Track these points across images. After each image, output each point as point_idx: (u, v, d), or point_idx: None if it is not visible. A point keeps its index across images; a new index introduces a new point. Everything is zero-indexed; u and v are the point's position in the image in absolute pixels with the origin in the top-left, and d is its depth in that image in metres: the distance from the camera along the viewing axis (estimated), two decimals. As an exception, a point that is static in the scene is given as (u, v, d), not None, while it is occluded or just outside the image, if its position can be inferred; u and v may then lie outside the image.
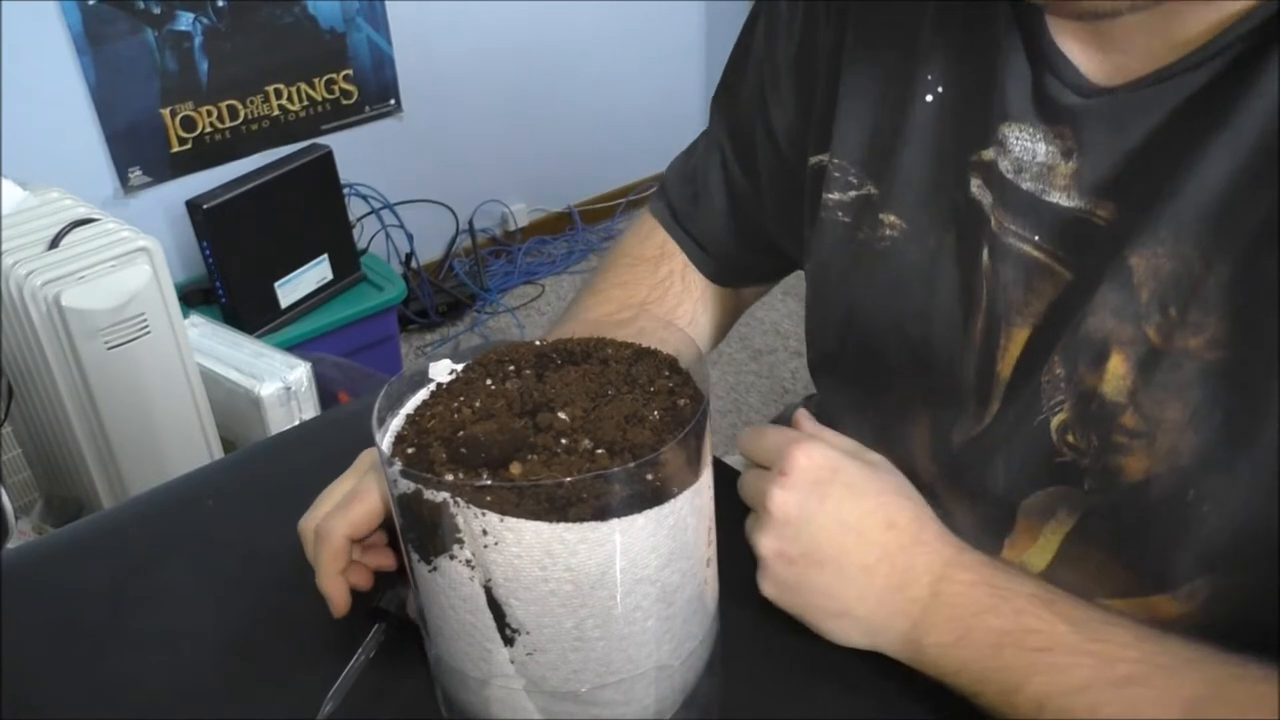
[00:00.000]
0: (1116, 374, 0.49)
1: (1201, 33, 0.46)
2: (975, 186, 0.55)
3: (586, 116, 2.78)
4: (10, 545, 1.08)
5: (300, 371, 1.39)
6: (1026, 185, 0.53)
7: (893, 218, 0.60)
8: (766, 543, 0.54)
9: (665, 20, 2.80)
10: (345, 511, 0.54)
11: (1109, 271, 0.49)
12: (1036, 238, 0.53)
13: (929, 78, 0.57)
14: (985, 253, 0.55)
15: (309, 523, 0.57)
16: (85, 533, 0.69)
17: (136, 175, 2.10)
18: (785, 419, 0.71)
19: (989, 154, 0.54)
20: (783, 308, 2.51)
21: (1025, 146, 0.53)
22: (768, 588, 0.54)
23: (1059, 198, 0.52)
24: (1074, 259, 0.52)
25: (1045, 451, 0.53)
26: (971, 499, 0.59)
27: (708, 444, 0.44)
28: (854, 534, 0.53)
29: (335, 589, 0.54)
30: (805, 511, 0.53)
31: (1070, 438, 0.52)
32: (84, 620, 0.60)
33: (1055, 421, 0.53)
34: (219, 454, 1.33)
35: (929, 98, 0.57)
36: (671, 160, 0.82)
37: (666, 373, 0.47)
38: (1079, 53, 0.51)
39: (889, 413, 0.64)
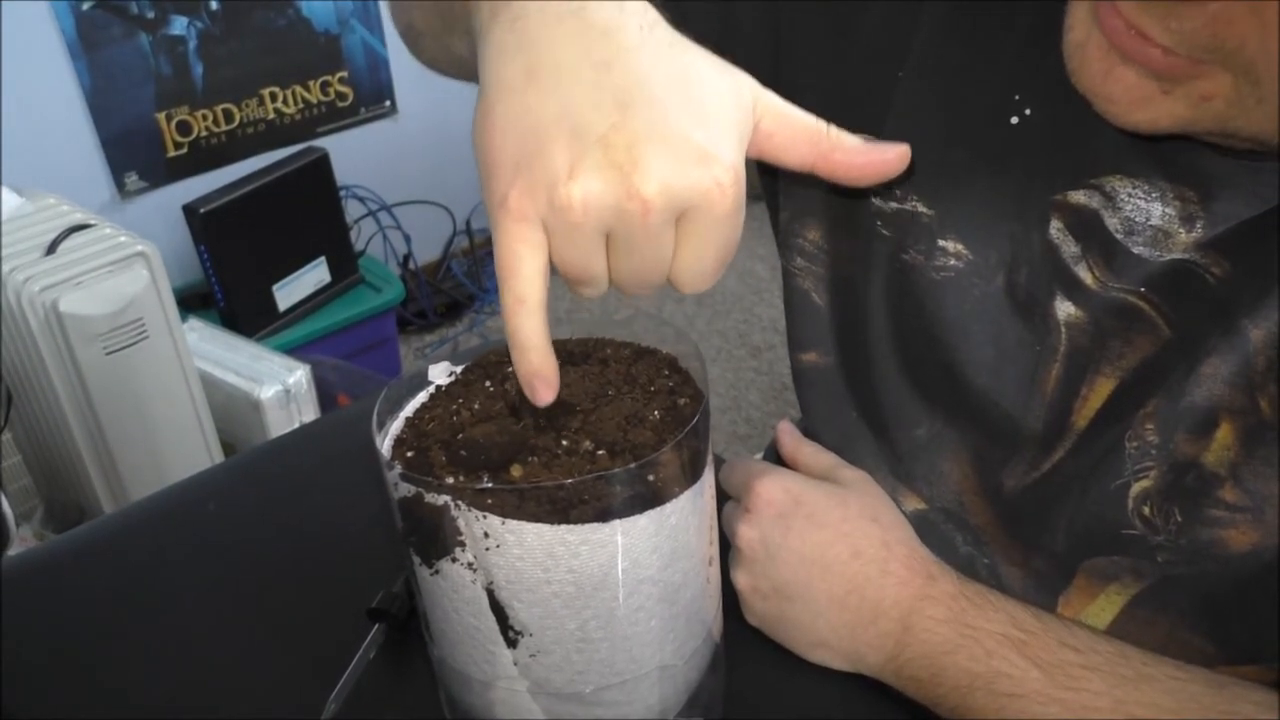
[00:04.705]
0: (1223, 444, 0.47)
1: None
2: (1055, 229, 0.50)
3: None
4: (11, 552, 1.08)
5: (299, 374, 1.39)
6: (1138, 250, 0.48)
7: (958, 246, 0.53)
8: (741, 578, 0.55)
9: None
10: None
11: (1219, 337, 0.46)
12: (1142, 289, 0.49)
13: (1016, 97, 0.51)
14: (1060, 297, 0.51)
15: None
16: (86, 538, 0.69)
17: (132, 180, 2.10)
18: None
19: (1079, 197, 0.49)
20: (782, 304, 2.50)
21: (1139, 206, 0.48)
22: (750, 619, 0.55)
23: (1172, 256, 0.48)
24: (1177, 314, 0.48)
25: (1114, 520, 0.50)
26: (1024, 550, 0.55)
27: (709, 443, 0.44)
28: (818, 567, 0.52)
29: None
30: (769, 547, 0.53)
31: (1146, 510, 0.49)
32: (86, 626, 0.60)
33: (1136, 488, 0.49)
34: (219, 458, 1.33)
35: (1014, 120, 0.51)
36: None
37: (666, 372, 0.47)
38: None
39: (910, 447, 0.58)
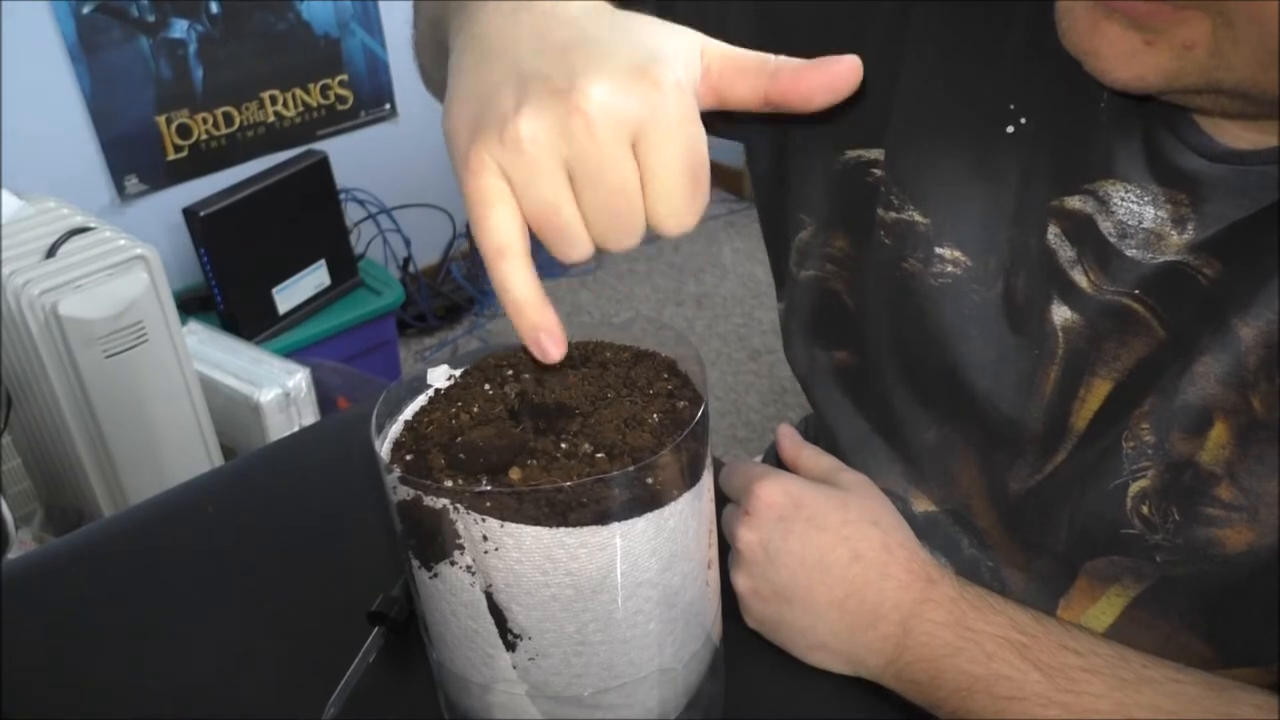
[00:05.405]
0: (1218, 443, 0.47)
1: None
2: (1053, 235, 0.51)
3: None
4: (11, 555, 1.08)
5: (299, 377, 1.39)
6: (1131, 253, 0.49)
7: (955, 254, 0.54)
8: (741, 581, 0.55)
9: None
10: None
11: (1211, 336, 0.46)
12: (1137, 291, 0.49)
13: (1011, 107, 0.52)
14: (1057, 301, 0.51)
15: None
16: (86, 541, 0.69)
17: (133, 183, 2.10)
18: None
19: (1074, 203, 0.50)
20: (781, 307, 2.50)
21: (1132, 210, 0.49)
22: (749, 622, 0.55)
23: (1165, 259, 0.48)
24: (1171, 315, 0.48)
25: (1113, 520, 0.50)
26: (1026, 552, 0.56)
27: (708, 446, 0.44)
28: (818, 570, 0.52)
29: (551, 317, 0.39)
30: (770, 550, 0.53)
31: (1145, 509, 0.49)
32: (85, 629, 0.60)
33: (1134, 488, 0.50)
34: (219, 461, 1.33)
35: (1010, 129, 0.52)
36: None
37: (665, 375, 0.47)
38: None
39: (922, 449, 0.59)
